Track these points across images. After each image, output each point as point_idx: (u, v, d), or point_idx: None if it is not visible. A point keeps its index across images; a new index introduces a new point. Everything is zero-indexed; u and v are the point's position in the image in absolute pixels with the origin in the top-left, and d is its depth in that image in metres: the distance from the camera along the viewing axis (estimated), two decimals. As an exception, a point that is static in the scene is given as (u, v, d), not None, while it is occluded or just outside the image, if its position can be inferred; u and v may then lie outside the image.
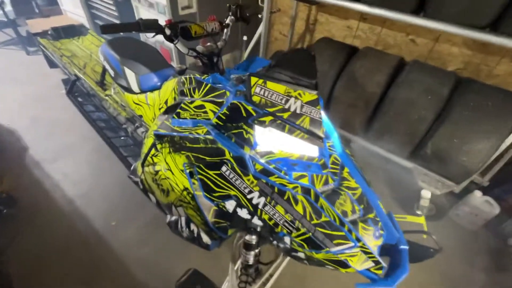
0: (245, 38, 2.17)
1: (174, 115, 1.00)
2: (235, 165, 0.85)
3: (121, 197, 1.80)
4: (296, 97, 0.80)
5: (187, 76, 1.12)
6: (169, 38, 0.94)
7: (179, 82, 1.18)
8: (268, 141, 0.87)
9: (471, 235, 1.76)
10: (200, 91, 0.96)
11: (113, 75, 1.52)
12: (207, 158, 0.87)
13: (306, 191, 0.87)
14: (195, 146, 0.88)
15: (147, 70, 1.39)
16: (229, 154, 0.85)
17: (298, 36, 2.65)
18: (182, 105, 0.99)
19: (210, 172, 0.89)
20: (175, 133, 0.91)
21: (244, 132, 0.88)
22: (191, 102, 0.96)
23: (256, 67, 1.13)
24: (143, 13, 2.41)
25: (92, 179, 1.92)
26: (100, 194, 1.83)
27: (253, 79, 0.79)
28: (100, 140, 1.76)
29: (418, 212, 1.83)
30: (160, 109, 1.32)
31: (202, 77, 1.05)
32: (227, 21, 1.15)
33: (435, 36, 1.92)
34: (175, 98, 1.23)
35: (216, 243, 1.06)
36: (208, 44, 1.10)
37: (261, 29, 2.20)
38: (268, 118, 0.83)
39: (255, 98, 0.80)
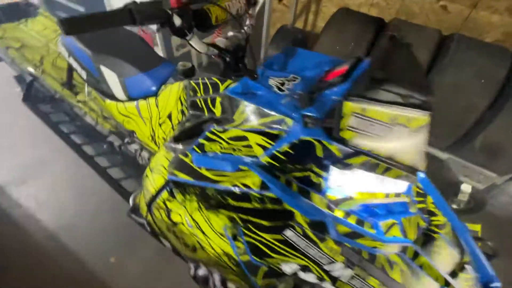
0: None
1: (196, 148, 0.68)
2: (308, 230, 0.58)
3: (117, 224, 1.47)
4: (403, 125, 0.51)
5: (200, 81, 0.78)
6: (180, 32, 0.58)
7: (187, 89, 0.84)
8: (344, 183, 0.60)
9: (509, 226, 1.66)
10: (240, 113, 0.63)
11: (85, 77, 1.12)
12: (264, 222, 0.58)
13: (401, 248, 0.64)
14: (244, 206, 0.58)
15: (134, 70, 1.00)
16: (302, 217, 0.56)
17: (302, 5, 2.24)
18: (209, 133, 0.66)
19: (266, 236, 0.61)
20: (207, 184, 0.60)
21: (313, 176, 0.59)
22: (223, 131, 0.64)
23: (300, 63, 0.79)
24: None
25: (75, 204, 1.56)
26: (89, 222, 1.49)
27: (348, 106, 0.47)
28: (79, 153, 1.39)
29: (454, 206, 1.68)
30: (161, 124, 0.98)
31: (224, 84, 0.72)
32: (252, -6, 0.78)
33: (473, 1, 1.63)
34: (183, 112, 0.89)
35: None
36: (231, 34, 0.74)
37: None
38: (359, 159, 0.54)
39: (347, 134, 0.50)
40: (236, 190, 0.56)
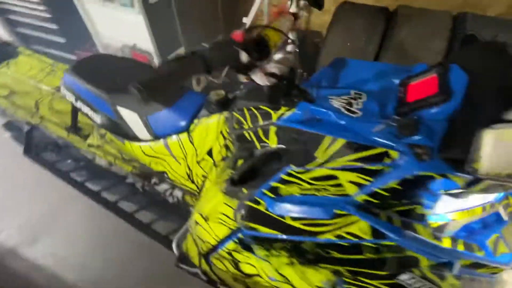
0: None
1: (268, 192, 0.59)
2: (428, 271, 0.51)
3: (151, 271, 1.36)
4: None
5: (245, 111, 0.69)
6: (246, 68, 0.49)
7: (229, 121, 0.75)
8: (444, 207, 0.54)
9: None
10: (324, 149, 0.54)
11: (99, 122, 1.00)
12: (381, 272, 0.50)
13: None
14: (352, 258, 0.50)
15: (156, 106, 0.89)
16: (427, 262, 0.49)
17: (294, 5, 2.16)
18: (285, 176, 0.57)
19: (375, 283, 0.53)
20: (300, 238, 0.51)
21: (418, 208, 0.52)
22: (305, 172, 0.55)
23: (354, 76, 0.71)
24: (92, 7, 1.73)
25: (99, 255, 1.43)
26: (119, 273, 1.37)
27: (491, 134, 0.40)
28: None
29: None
30: (199, 162, 0.88)
31: (278, 112, 0.63)
32: (293, 8, 0.70)
33: (474, -23, 1.61)
34: (227, 147, 0.80)
35: None
36: (281, 56, 0.65)
37: None
38: (482, 186, 0.47)
39: (479, 164, 0.43)
40: (344, 243, 0.48)
